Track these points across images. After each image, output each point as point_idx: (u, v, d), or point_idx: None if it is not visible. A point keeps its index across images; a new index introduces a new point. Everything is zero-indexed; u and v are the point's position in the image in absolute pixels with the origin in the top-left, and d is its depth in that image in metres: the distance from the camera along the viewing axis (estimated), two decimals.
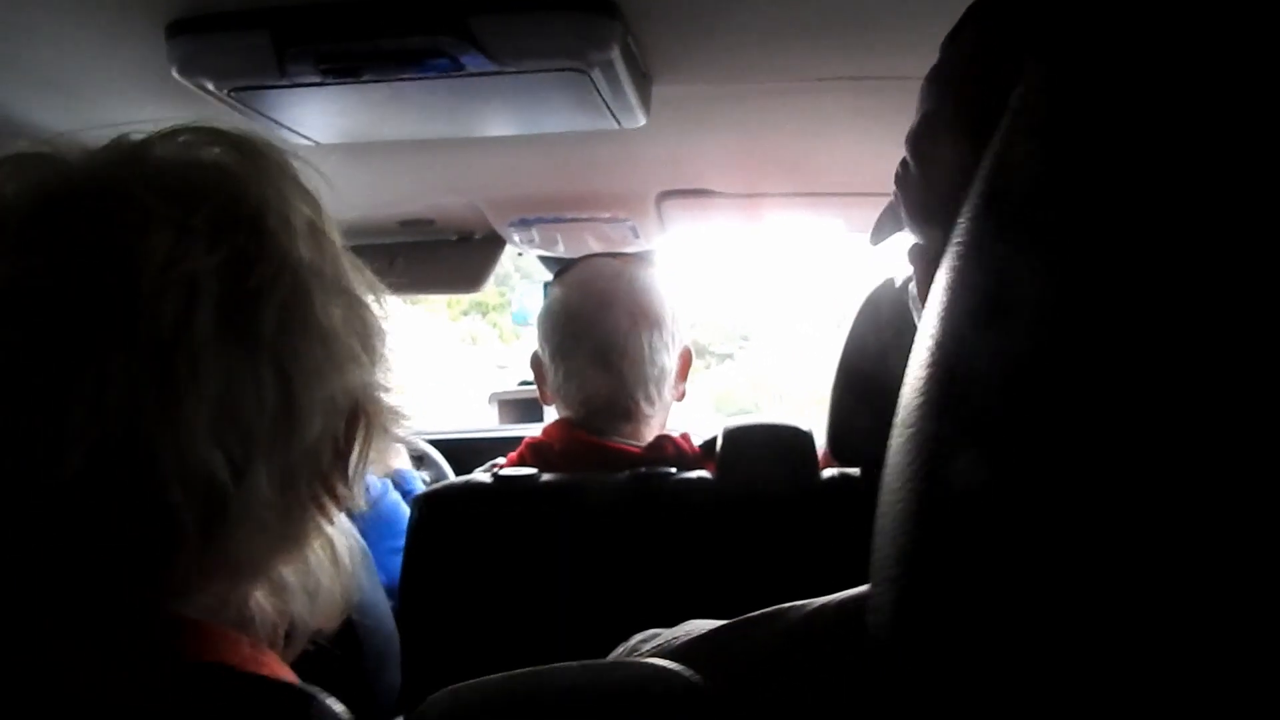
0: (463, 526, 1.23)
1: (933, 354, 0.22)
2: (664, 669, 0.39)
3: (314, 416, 0.50)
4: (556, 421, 1.37)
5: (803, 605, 0.46)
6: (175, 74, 0.92)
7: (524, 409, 2.49)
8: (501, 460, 1.40)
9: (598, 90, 0.96)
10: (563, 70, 0.92)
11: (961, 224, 0.23)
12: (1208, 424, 0.17)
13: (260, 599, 0.51)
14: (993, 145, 0.23)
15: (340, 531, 0.56)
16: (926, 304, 0.24)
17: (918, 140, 0.45)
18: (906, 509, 0.22)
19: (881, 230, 0.52)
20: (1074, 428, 0.18)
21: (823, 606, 0.45)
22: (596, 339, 1.31)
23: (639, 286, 1.35)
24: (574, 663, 0.40)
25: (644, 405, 1.32)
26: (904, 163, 0.46)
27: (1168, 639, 0.17)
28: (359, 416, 0.54)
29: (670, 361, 1.33)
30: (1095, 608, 0.18)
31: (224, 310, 0.47)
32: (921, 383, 0.23)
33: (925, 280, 0.45)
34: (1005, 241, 0.21)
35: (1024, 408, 0.19)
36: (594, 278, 1.38)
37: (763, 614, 0.47)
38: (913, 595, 0.21)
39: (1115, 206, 0.18)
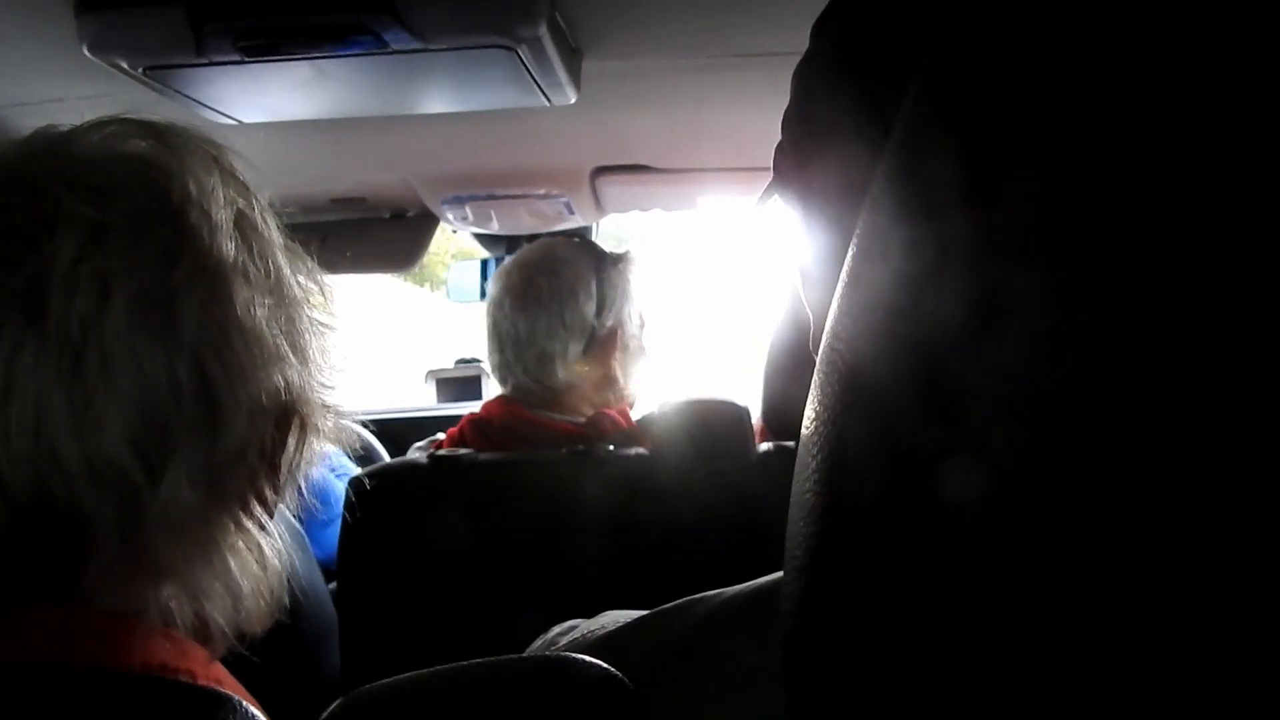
0: (400, 508, 1.22)
1: (837, 351, 0.23)
2: (580, 661, 0.39)
3: (237, 418, 0.49)
4: (497, 398, 1.38)
5: (715, 595, 0.47)
6: (86, 52, 0.89)
7: (461, 387, 2.48)
8: (441, 436, 1.40)
9: (526, 67, 0.95)
10: (489, 47, 0.91)
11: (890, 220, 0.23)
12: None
13: (178, 603, 0.50)
14: (969, 139, 0.22)
15: (270, 532, 0.54)
16: (833, 303, 0.24)
17: (794, 126, 0.45)
18: (812, 504, 0.22)
19: (766, 196, 0.53)
20: (996, 436, 0.18)
21: (731, 597, 0.46)
22: (492, 324, 1.38)
23: (537, 271, 1.37)
24: (489, 659, 0.40)
25: (534, 385, 1.35)
26: (780, 147, 0.47)
27: (1098, 657, 0.17)
28: (290, 418, 0.53)
29: (555, 347, 1.34)
30: (1008, 617, 0.18)
31: (139, 308, 0.45)
32: (829, 379, 0.23)
33: (812, 266, 0.46)
34: (987, 242, 0.20)
35: (940, 413, 0.19)
36: (509, 265, 1.43)
37: (677, 605, 0.47)
38: (815, 587, 0.22)
39: (1111, 215, 0.18)
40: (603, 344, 1.37)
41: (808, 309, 0.47)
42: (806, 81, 0.44)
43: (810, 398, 0.24)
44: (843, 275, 0.24)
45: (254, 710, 0.44)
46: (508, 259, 1.47)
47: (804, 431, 0.24)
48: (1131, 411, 0.17)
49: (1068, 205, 0.18)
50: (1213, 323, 0.16)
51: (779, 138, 0.48)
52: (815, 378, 0.24)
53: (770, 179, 0.49)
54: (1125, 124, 0.18)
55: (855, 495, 0.20)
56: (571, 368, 1.35)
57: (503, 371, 1.37)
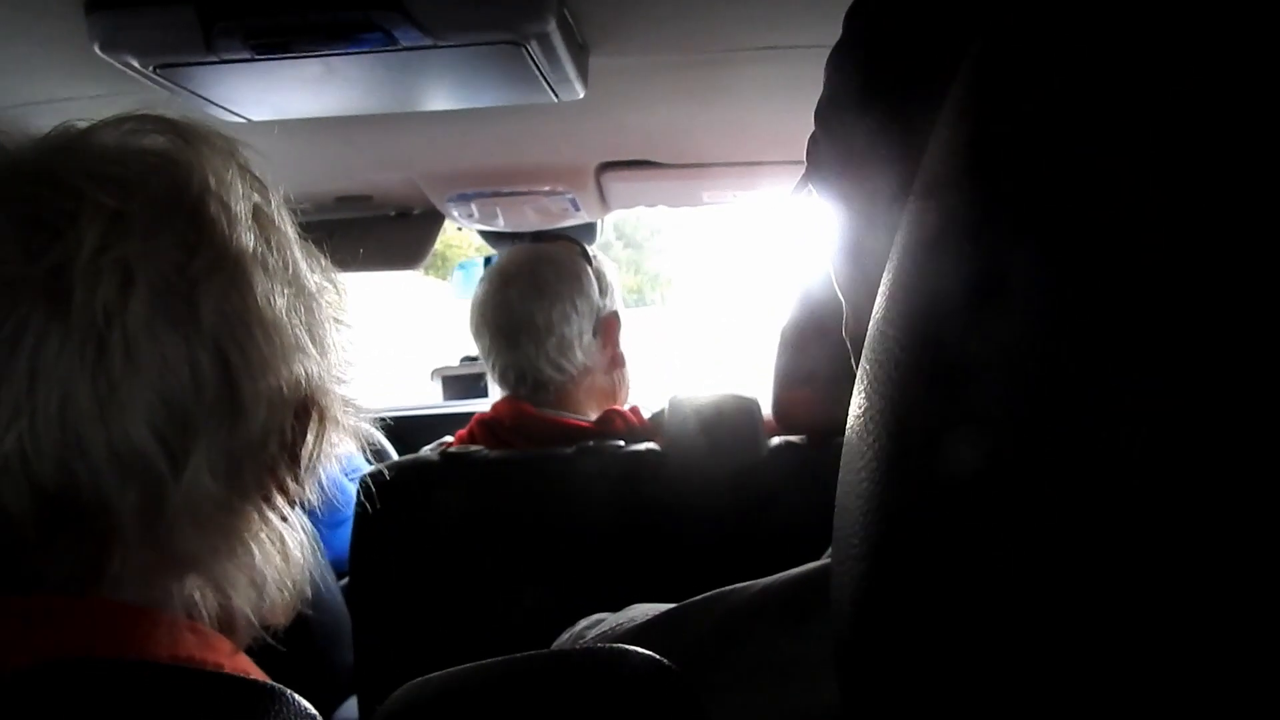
0: (411, 505, 1.23)
1: (891, 338, 0.23)
2: (629, 651, 0.39)
3: (258, 407, 0.49)
4: (505, 398, 1.38)
5: (746, 587, 0.46)
6: (97, 50, 0.89)
7: (467, 384, 2.48)
8: (449, 439, 1.40)
9: (534, 63, 0.95)
10: (498, 44, 0.91)
11: (934, 199, 0.23)
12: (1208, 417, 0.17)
13: (201, 594, 0.50)
14: (968, 115, 0.22)
15: (293, 524, 0.55)
16: (881, 288, 0.24)
17: (827, 116, 0.45)
18: (871, 490, 0.22)
19: (801, 187, 0.53)
20: (1069, 416, 0.18)
21: (766, 588, 0.46)
22: (495, 318, 1.37)
23: (540, 264, 1.39)
24: (540, 650, 0.41)
25: (554, 374, 1.35)
26: (814, 137, 0.47)
27: (1154, 640, 0.17)
28: (310, 410, 0.54)
29: (573, 331, 1.35)
30: (1075, 603, 0.18)
31: (161, 296, 0.46)
32: (883, 367, 0.23)
33: (841, 255, 0.45)
34: (992, 219, 0.20)
35: (1013, 393, 0.19)
36: (502, 264, 1.43)
37: (706, 598, 0.47)
38: (878, 573, 0.22)
39: (1112, 189, 0.18)
40: (607, 327, 1.40)
41: (841, 298, 0.47)
42: (840, 70, 0.44)
43: (859, 386, 0.24)
44: (891, 262, 0.24)
45: (306, 704, 0.45)
46: (493, 263, 1.48)
47: (854, 419, 0.24)
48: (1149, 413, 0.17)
49: (1076, 205, 0.18)
50: (1214, 323, 0.16)
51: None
52: (863, 366, 0.24)
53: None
54: (1133, 124, 0.18)
55: (924, 482, 0.20)
56: (589, 352, 1.36)
57: (519, 367, 1.35)
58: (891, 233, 0.30)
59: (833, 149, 0.44)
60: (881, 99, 0.40)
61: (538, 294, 1.35)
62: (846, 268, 0.45)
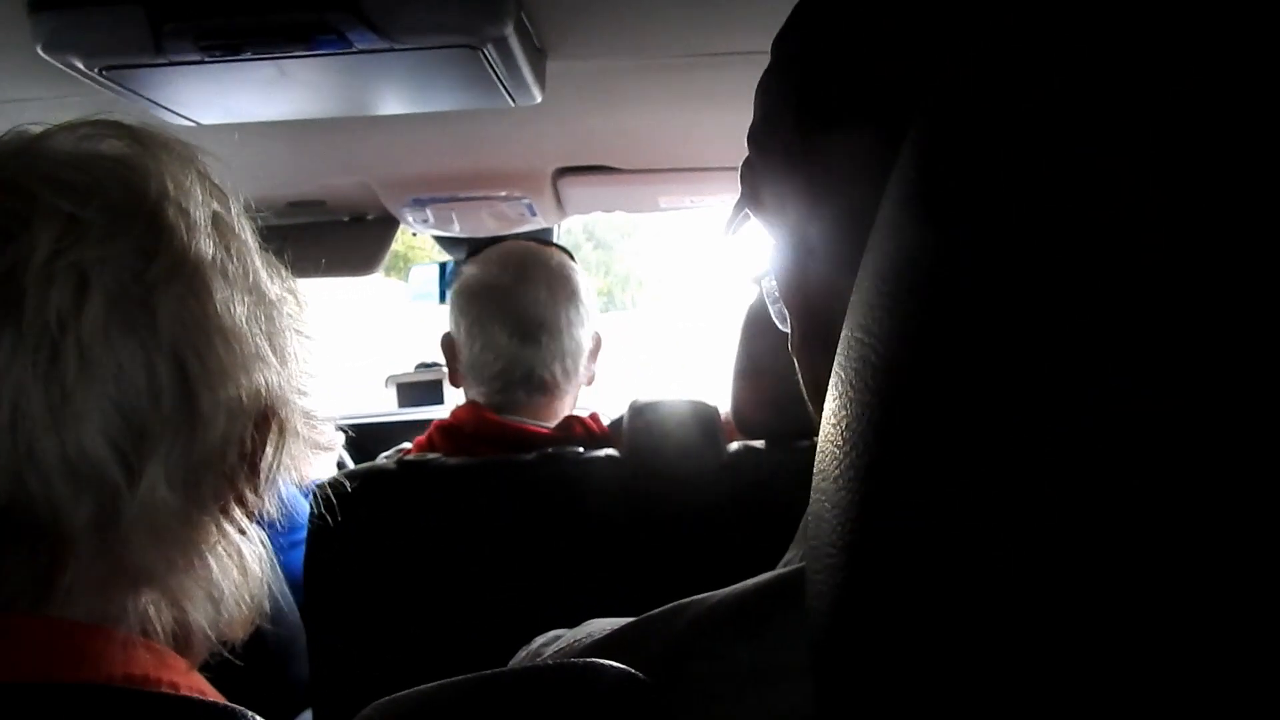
0: (367, 514, 1.21)
1: (867, 345, 0.22)
2: (604, 665, 0.39)
3: (217, 417, 0.48)
4: (466, 404, 1.36)
5: (703, 599, 0.46)
6: (40, 52, 0.87)
7: (422, 391, 2.45)
8: (408, 445, 1.38)
9: (491, 68, 0.94)
10: (454, 47, 0.90)
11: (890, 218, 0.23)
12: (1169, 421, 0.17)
13: (157, 608, 0.49)
14: (951, 114, 0.22)
15: (251, 537, 0.54)
16: (854, 295, 0.24)
17: (761, 140, 0.45)
18: (849, 499, 0.22)
19: (734, 221, 0.53)
20: (1062, 419, 0.18)
21: (722, 599, 0.45)
22: (516, 311, 1.31)
23: (555, 263, 1.37)
24: (510, 668, 0.40)
25: (560, 378, 1.33)
26: (748, 161, 0.46)
27: (1149, 647, 0.17)
28: (269, 420, 0.53)
29: (584, 338, 1.35)
30: (1068, 608, 0.18)
31: (117, 303, 0.45)
32: (859, 374, 0.22)
33: (783, 275, 0.45)
34: (980, 219, 0.21)
35: (999, 396, 0.19)
36: (511, 253, 1.39)
37: (663, 611, 0.47)
38: (856, 580, 0.22)
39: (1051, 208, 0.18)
40: (596, 343, 1.39)
41: (784, 314, 0.46)
42: (771, 94, 0.44)
43: (831, 395, 0.24)
44: (864, 269, 0.24)
45: None
46: (491, 252, 1.42)
47: (828, 427, 0.23)
48: (1140, 413, 0.17)
49: (1077, 204, 0.18)
50: (1220, 323, 0.16)
51: (743, 137, 0.47)
52: (836, 374, 0.24)
53: (736, 189, 0.49)
54: (1134, 124, 0.18)
55: (905, 487, 0.20)
56: (585, 363, 1.36)
57: (529, 365, 1.30)
58: (831, 254, 0.29)
59: (768, 172, 0.44)
60: (817, 122, 0.40)
61: (562, 293, 1.32)
62: (789, 289, 0.45)
